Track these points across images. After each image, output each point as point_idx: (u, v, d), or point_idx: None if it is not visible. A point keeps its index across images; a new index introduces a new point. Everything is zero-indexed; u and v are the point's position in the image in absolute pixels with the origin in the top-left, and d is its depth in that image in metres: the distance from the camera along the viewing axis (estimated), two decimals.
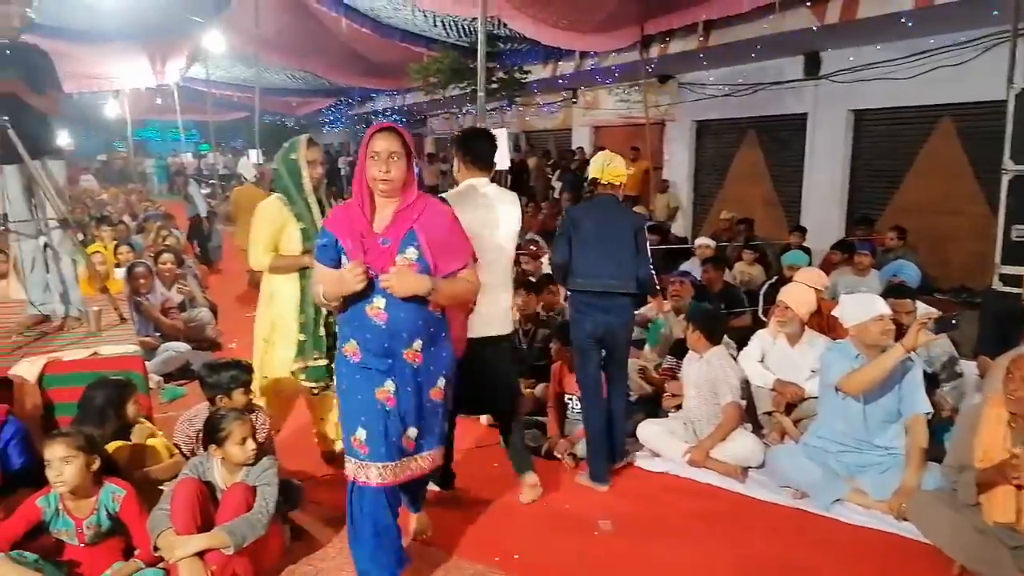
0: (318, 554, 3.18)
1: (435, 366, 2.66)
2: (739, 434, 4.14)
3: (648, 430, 4.32)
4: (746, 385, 4.45)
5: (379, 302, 2.51)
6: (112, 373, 3.50)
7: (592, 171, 4.02)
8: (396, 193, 2.55)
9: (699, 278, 6.46)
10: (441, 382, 2.70)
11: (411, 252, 2.53)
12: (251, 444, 2.96)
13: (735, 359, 4.54)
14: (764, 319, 5.72)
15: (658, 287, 4.41)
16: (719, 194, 12.78)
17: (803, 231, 8.62)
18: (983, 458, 3.01)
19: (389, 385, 2.59)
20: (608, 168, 3.93)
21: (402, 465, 2.66)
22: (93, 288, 5.03)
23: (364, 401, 2.59)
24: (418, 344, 2.58)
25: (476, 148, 3.54)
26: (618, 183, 3.97)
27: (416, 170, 2.63)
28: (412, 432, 2.66)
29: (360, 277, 2.44)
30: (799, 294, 4.54)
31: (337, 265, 2.59)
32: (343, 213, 2.63)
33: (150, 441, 3.34)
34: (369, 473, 2.60)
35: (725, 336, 5.18)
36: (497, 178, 14.17)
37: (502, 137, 5.41)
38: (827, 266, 7.41)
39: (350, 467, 2.65)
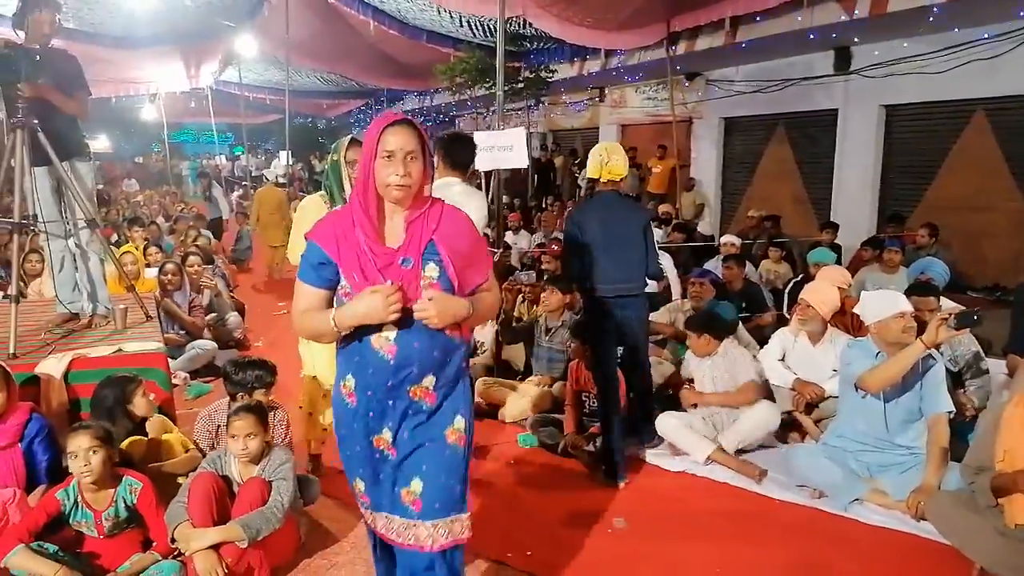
0: (333, 548, 3.23)
1: (450, 403, 2.18)
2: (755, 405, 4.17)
3: (667, 423, 4.27)
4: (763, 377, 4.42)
5: (388, 332, 2.05)
6: (135, 370, 3.58)
7: (590, 170, 4.01)
8: (410, 200, 2.10)
9: (721, 276, 6.39)
10: (459, 422, 2.19)
11: (431, 269, 2.09)
12: (240, 443, 2.99)
13: (754, 357, 4.51)
14: (789, 317, 5.65)
15: (664, 275, 4.46)
16: (747, 192, 12.64)
17: (835, 228, 8.47)
18: (1004, 459, 2.94)
19: (387, 434, 2.15)
20: (607, 166, 3.91)
21: (407, 527, 2.17)
22: (121, 287, 5.15)
23: (362, 452, 2.19)
24: (429, 380, 2.12)
25: (456, 152, 3.80)
26: (619, 179, 3.96)
27: (432, 171, 2.19)
28: (416, 486, 2.15)
29: (396, 306, 1.97)
30: (821, 292, 4.48)
31: (332, 289, 2.14)
32: (336, 225, 2.12)
33: (165, 436, 3.41)
34: (376, 522, 2.25)
35: (748, 335, 5.16)
36: (521, 177, 14.15)
37: (520, 136, 5.44)
38: (857, 263, 7.31)
39: (362, 509, 2.34)
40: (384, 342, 2.07)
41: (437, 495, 2.15)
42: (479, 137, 5.72)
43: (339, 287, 2.12)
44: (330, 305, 2.14)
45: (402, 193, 2.05)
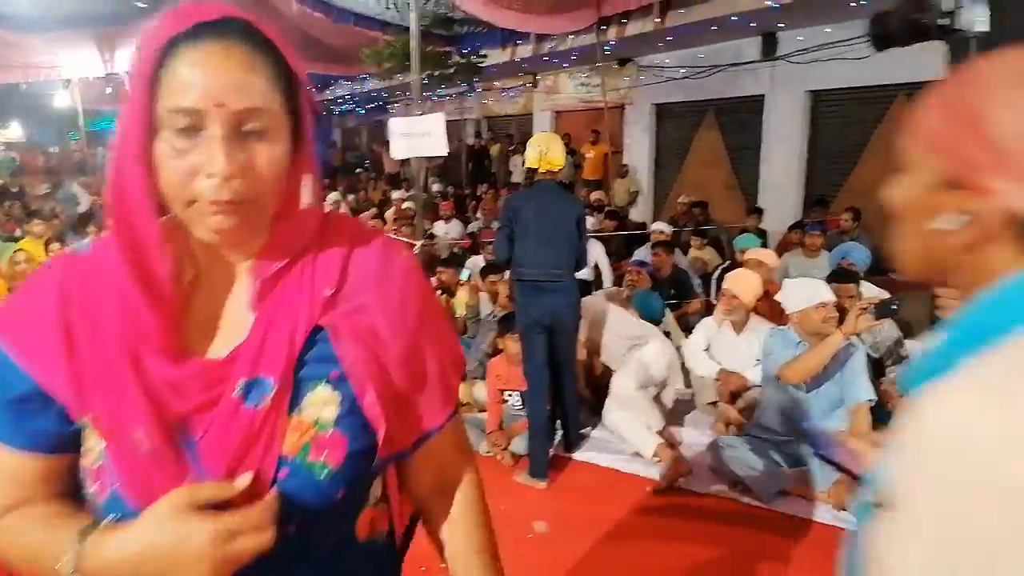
0: None
1: None
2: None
3: (614, 416, 4.16)
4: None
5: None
6: None
7: (529, 160, 3.99)
8: (260, 231, 0.85)
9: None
10: None
11: (322, 398, 0.84)
12: None
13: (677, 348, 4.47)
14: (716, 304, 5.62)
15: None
16: (679, 178, 12.67)
17: (759, 213, 8.52)
18: None
19: None
20: (546, 157, 3.89)
21: None
22: (4, 288, 4.77)
23: None
24: None
25: None
26: (557, 169, 3.95)
27: (322, 158, 0.95)
28: None
29: (250, 548, 0.74)
30: (743, 280, 4.44)
31: (56, 449, 0.83)
32: (66, 293, 0.82)
33: None
34: None
35: (674, 323, 5.09)
36: (457, 164, 13.76)
37: (438, 122, 5.21)
38: (784, 248, 7.35)
39: None
40: None
41: None
42: (394, 124, 5.47)
43: (83, 452, 0.83)
44: (58, 485, 0.85)
45: (231, 221, 0.79)
